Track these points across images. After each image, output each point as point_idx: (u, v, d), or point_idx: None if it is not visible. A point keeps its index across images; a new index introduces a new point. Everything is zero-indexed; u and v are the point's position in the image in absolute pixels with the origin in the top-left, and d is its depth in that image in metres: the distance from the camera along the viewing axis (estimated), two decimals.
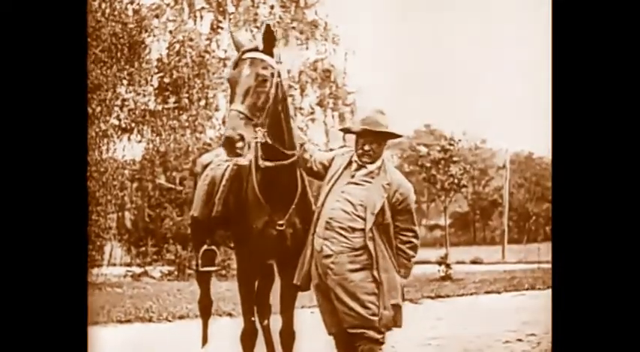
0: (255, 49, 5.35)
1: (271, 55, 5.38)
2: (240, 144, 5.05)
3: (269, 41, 5.36)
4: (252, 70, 5.26)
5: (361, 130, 5.37)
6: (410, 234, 5.35)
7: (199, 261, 6.38)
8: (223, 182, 6.00)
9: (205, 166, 6.56)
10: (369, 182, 5.31)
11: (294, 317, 5.97)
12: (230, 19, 21.86)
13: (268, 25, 5.45)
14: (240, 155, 5.09)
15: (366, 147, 5.32)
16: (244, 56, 5.33)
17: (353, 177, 5.34)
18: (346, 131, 5.61)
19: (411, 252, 5.36)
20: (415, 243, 5.37)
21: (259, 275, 6.28)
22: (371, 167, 5.35)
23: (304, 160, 5.60)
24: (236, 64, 5.33)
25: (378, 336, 5.24)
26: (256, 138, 5.17)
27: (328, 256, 5.26)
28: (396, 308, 5.28)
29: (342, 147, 5.74)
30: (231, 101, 5.20)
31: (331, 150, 5.74)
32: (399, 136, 5.46)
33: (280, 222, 5.61)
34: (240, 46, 5.42)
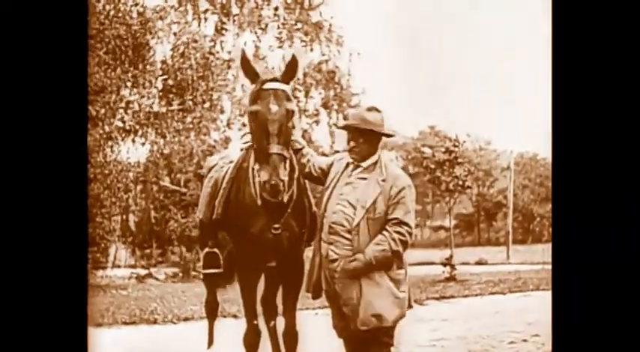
0: (275, 80, 5.31)
1: (288, 83, 5.36)
2: (282, 189, 5.08)
3: (292, 71, 5.35)
4: (279, 104, 5.21)
5: (344, 126, 5.35)
6: (404, 227, 5.15)
7: (201, 263, 6.40)
8: (224, 184, 6.01)
9: (211, 168, 6.59)
10: (365, 178, 5.27)
11: (296, 319, 5.98)
12: (234, 21, 21.89)
13: (294, 55, 5.43)
14: (280, 198, 5.16)
15: (352, 143, 5.28)
16: (265, 87, 5.27)
17: (350, 177, 5.33)
18: (339, 127, 5.57)
19: (397, 246, 5.13)
20: (405, 238, 5.15)
21: (262, 278, 6.29)
22: (365, 164, 5.30)
23: (302, 165, 5.59)
24: (257, 96, 5.27)
25: (387, 339, 5.24)
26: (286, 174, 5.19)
27: (334, 261, 5.25)
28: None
29: (342, 151, 5.72)
30: (263, 140, 5.15)
31: (336, 152, 5.73)
32: (383, 134, 5.32)
33: (276, 226, 5.62)
34: (253, 72, 5.37)
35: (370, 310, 5.14)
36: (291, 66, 5.37)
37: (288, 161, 5.22)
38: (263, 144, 5.15)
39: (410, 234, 5.17)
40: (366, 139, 5.27)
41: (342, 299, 5.23)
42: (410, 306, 5.36)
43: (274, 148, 5.10)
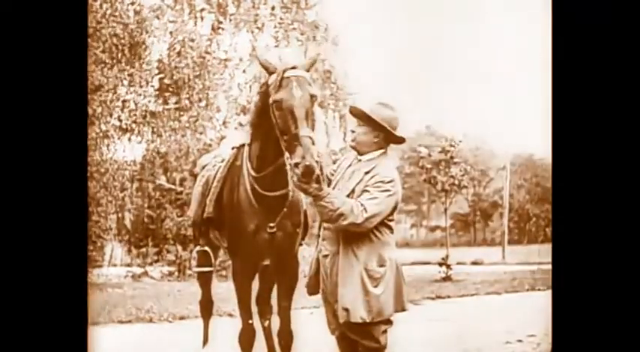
0: (294, 67, 5.29)
1: (308, 70, 5.36)
2: (318, 172, 4.97)
3: (312, 64, 5.37)
4: (303, 90, 5.18)
5: (351, 110, 5.34)
6: (360, 207, 5.00)
7: (192, 262, 6.43)
8: (214, 183, 6.01)
9: (203, 167, 6.60)
10: (355, 172, 5.25)
11: (290, 318, 5.98)
12: (230, 20, 21.87)
13: (318, 54, 5.39)
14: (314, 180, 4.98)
15: (354, 129, 5.28)
16: (286, 75, 5.25)
17: (344, 173, 5.32)
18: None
19: (348, 211, 4.96)
20: (354, 212, 4.95)
21: (256, 277, 6.29)
22: (363, 158, 5.28)
23: (322, 207, 5.31)
24: (279, 84, 5.23)
25: (373, 343, 5.23)
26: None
27: (326, 256, 5.26)
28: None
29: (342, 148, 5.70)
30: (292, 125, 5.06)
31: (332, 151, 5.71)
32: (384, 131, 5.25)
33: (271, 225, 5.63)
34: (268, 65, 5.34)
35: (342, 302, 5.15)
36: (313, 60, 5.40)
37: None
38: (291, 129, 5.06)
39: (364, 217, 5.00)
40: (367, 130, 5.24)
41: (333, 294, 5.24)
42: (403, 309, 5.33)
43: (304, 131, 5.02)
